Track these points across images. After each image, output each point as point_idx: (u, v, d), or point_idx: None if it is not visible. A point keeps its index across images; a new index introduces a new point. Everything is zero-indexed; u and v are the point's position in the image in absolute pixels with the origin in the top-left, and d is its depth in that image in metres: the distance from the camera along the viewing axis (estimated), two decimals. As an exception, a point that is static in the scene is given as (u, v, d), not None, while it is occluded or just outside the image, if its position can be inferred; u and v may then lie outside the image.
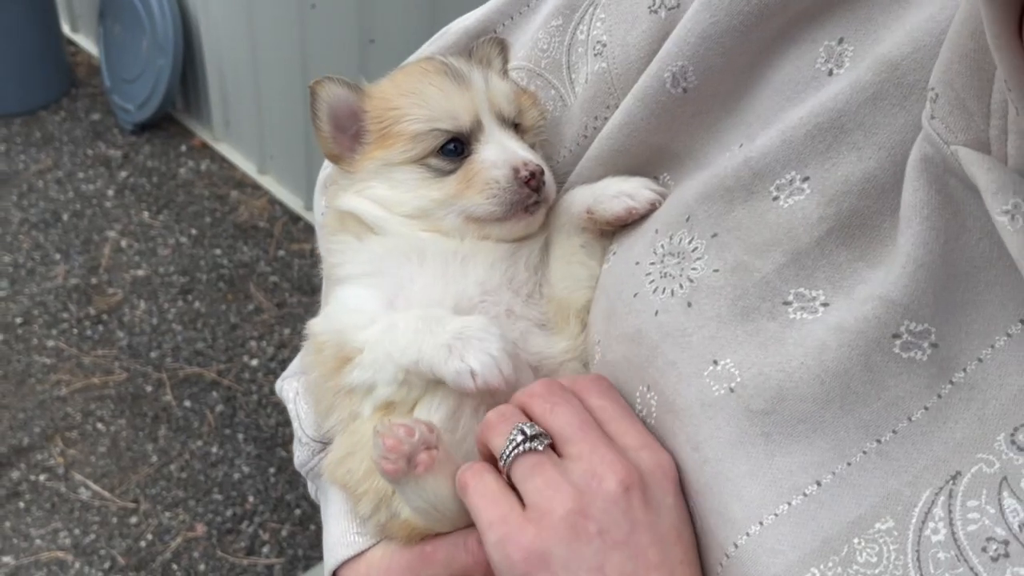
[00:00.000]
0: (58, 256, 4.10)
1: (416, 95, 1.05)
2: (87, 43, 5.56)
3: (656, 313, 0.87)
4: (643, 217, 0.98)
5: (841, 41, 0.81)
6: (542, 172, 1.02)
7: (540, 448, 0.80)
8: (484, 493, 0.82)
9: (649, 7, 0.95)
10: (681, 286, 0.86)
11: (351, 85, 1.07)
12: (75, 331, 3.75)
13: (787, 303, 0.79)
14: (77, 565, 2.98)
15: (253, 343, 3.79)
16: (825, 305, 0.77)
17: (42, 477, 3.21)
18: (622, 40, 0.99)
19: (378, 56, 3.64)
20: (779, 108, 0.85)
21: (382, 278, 1.02)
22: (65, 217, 4.31)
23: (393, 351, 0.92)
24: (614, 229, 1.03)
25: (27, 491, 3.16)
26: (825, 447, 0.74)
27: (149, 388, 3.58)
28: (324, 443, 1.09)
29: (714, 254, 0.85)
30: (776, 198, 0.81)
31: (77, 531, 3.08)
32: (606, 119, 1.01)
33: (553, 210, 1.07)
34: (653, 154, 0.98)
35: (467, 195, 1.02)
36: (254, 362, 3.72)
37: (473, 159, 1.04)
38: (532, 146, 1.10)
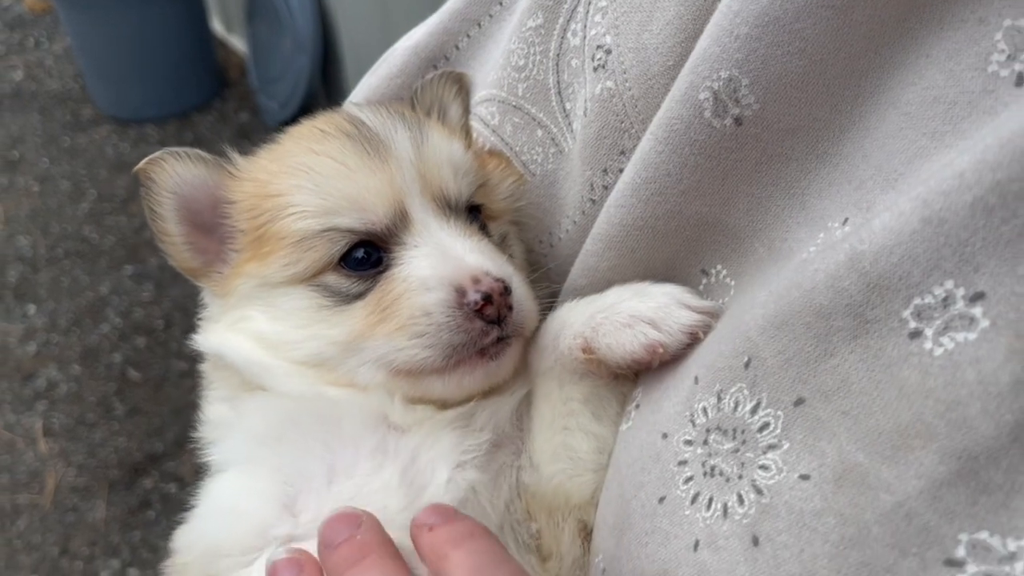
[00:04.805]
0: (200, 259, 4.14)
1: (304, 175, 0.70)
2: (239, 44, 5.64)
3: (696, 546, 0.52)
4: (681, 353, 0.61)
5: None
6: (506, 290, 0.65)
7: None
8: None
9: None
10: (741, 500, 0.50)
11: (208, 162, 0.74)
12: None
13: (954, 563, 0.42)
14: (200, 581, 2.94)
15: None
16: None
17: (172, 487, 3.20)
18: (636, 41, 0.61)
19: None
20: (917, 152, 0.48)
21: (274, 468, 0.67)
22: (210, 219, 4.35)
23: None
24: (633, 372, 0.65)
25: (157, 501, 3.15)
26: None
27: (279, 397, 3.51)
28: None
29: (800, 442, 0.48)
30: (917, 334, 0.44)
31: (202, 545, 3.04)
32: (620, 172, 0.64)
33: (536, 343, 0.70)
34: (694, 232, 0.61)
35: (382, 333, 0.66)
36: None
37: (391, 275, 0.68)
38: (503, 239, 0.73)
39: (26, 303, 3.89)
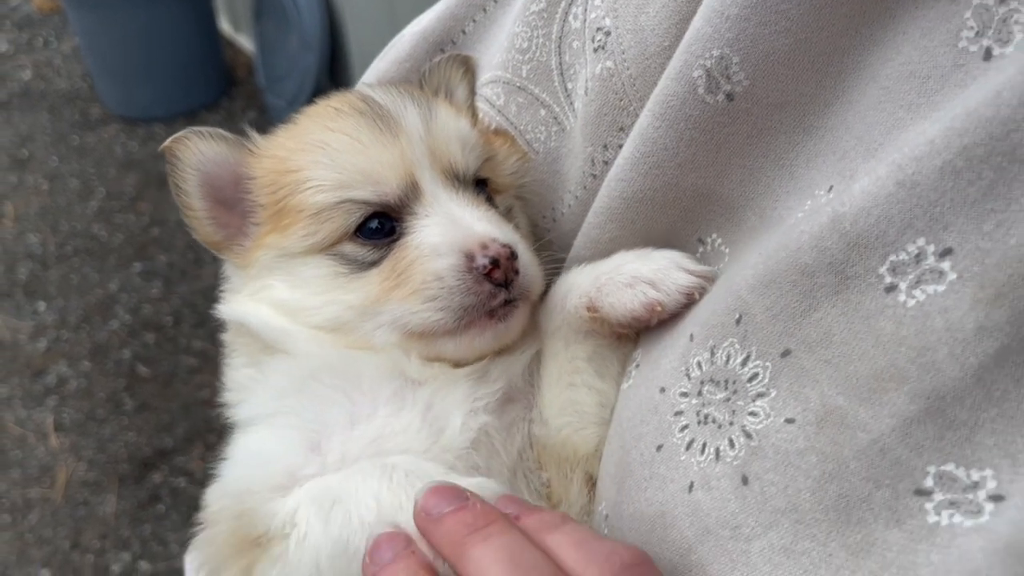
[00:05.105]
0: (208, 256, 4.15)
1: (320, 151, 0.73)
2: (246, 43, 5.67)
3: (691, 487, 0.55)
4: (678, 315, 0.64)
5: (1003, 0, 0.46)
6: (512, 256, 0.69)
7: None
8: None
9: None
10: (732, 443, 0.53)
11: (229, 140, 0.77)
12: (220, 332, 3.77)
13: (923, 492, 0.46)
14: (209, 574, 2.97)
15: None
16: (997, 499, 0.44)
17: (181, 481, 3.23)
18: (633, 23, 0.65)
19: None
20: (895, 123, 0.51)
21: (298, 417, 0.70)
22: (218, 217, 4.38)
23: (343, 532, 0.61)
24: (635, 332, 0.68)
25: (167, 495, 3.17)
26: None
27: (287, 393, 3.54)
28: None
29: (786, 389, 0.52)
30: (892, 288, 0.48)
31: (211, 538, 3.06)
32: (619, 147, 0.67)
33: (545, 305, 0.73)
34: (691, 203, 0.64)
35: (396, 298, 0.69)
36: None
37: (404, 243, 0.71)
38: (508, 211, 0.76)
39: (36, 300, 3.92)
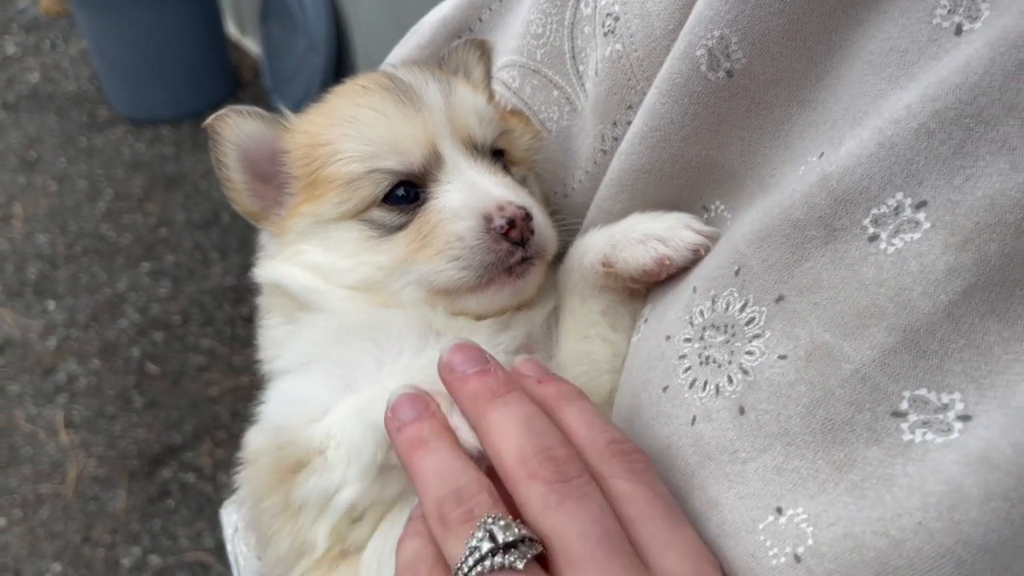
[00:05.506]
0: (216, 255, 4.20)
1: (349, 125, 0.78)
2: (253, 46, 5.72)
3: (693, 420, 0.60)
4: (684, 271, 0.70)
5: None
6: (527, 216, 0.74)
7: (520, 566, 0.53)
8: None
9: None
10: (731, 380, 0.59)
11: (266, 118, 0.83)
12: (228, 330, 3.82)
13: (899, 414, 0.52)
14: (218, 568, 3.00)
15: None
16: (965, 419, 0.49)
17: (190, 477, 3.27)
18: (640, 8, 0.70)
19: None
20: (878, 94, 0.56)
21: (332, 363, 0.76)
22: (225, 217, 4.42)
23: (376, 417, 0.65)
24: (646, 288, 0.74)
25: (176, 490, 3.21)
26: None
27: (294, 390, 3.57)
28: None
29: (779, 330, 0.57)
30: (874, 238, 0.53)
31: (220, 533, 3.09)
32: (628, 124, 0.72)
33: (564, 264, 0.79)
34: (696, 173, 0.69)
35: (423, 258, 0.75)
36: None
37: (428, 207, 0.77)
38: (523, 180, 0.82)
39: (46, 299, 3.96)
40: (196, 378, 3.62)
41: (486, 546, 0.53)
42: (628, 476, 0.57)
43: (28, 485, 3.19)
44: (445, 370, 0.63)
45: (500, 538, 0.53)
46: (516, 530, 0.54)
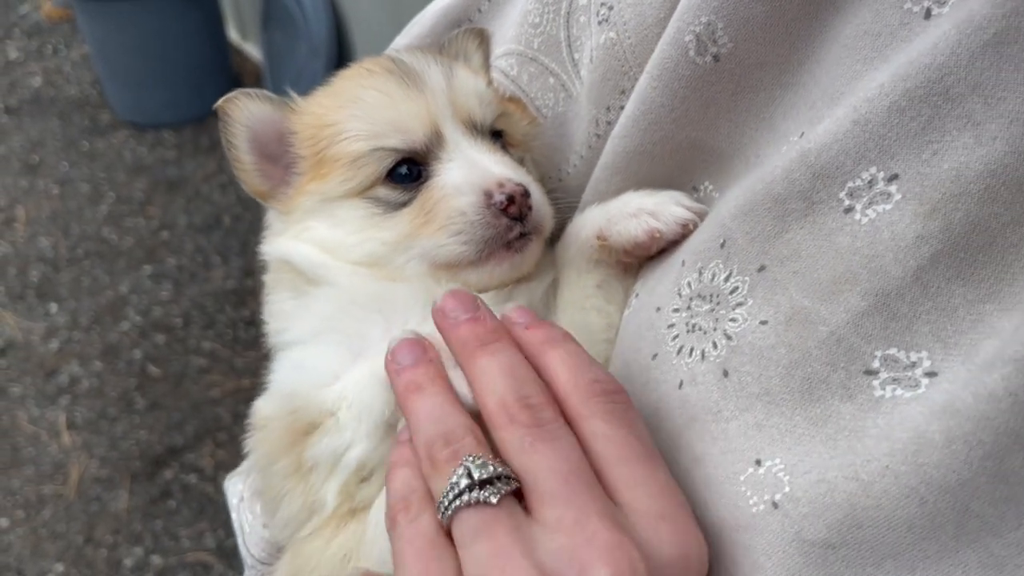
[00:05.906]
0: (217, 259, 4.23)
1: (354, 105, 0.81)
2: (254, 51, 5.75)
3: (680, 384, 0.64)
4: (673, 246, 0.73)
5: None
6: (526, 193, 0.77)
7: (494, 501, 0.57)
8: (413, 539, 0.60)
9: None
10: (715, 345, 0.62)
11: (274, 100, 0.86)
12: (229, 333, 3.84)
13: (871, 372, 0.55)
14: (220, 568, 3.02)
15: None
16: (931, 375, 0.52)
17: (192, 478, 3.29)
18: None
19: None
20: (853, 75, 0.59)
21: (340, 334, 0.79)
22: (226, 221, 4.45)
23: (383, 373, 0.68)
24: (638, 262, 0.78)
25: (178, 491, 3.23)
26: None
27: (295, 392, 3.60)
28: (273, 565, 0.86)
29: (761, 298, 0.61)
30: (850, 209, 0.56)
31: (221, 533, 3.12)
32: (621, 108, 0.75)
33: (562, 240, 0.83)
34: (686, 154, 0.72)
35: (426, 234, 0.78)
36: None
37: (431, 184, 0.80)
38: (521, 161, 0.85)
39: (48, 302, 3.99)
40: (197, 380, 3.64)
41: (464, 482, 0.57)
42: (606, 416, 0.60)
43: (31, 486, 3.21)
44: (438, 315, 0.66)
45: (476, 475, 0.57)
46: (492, 468, 0.58)
